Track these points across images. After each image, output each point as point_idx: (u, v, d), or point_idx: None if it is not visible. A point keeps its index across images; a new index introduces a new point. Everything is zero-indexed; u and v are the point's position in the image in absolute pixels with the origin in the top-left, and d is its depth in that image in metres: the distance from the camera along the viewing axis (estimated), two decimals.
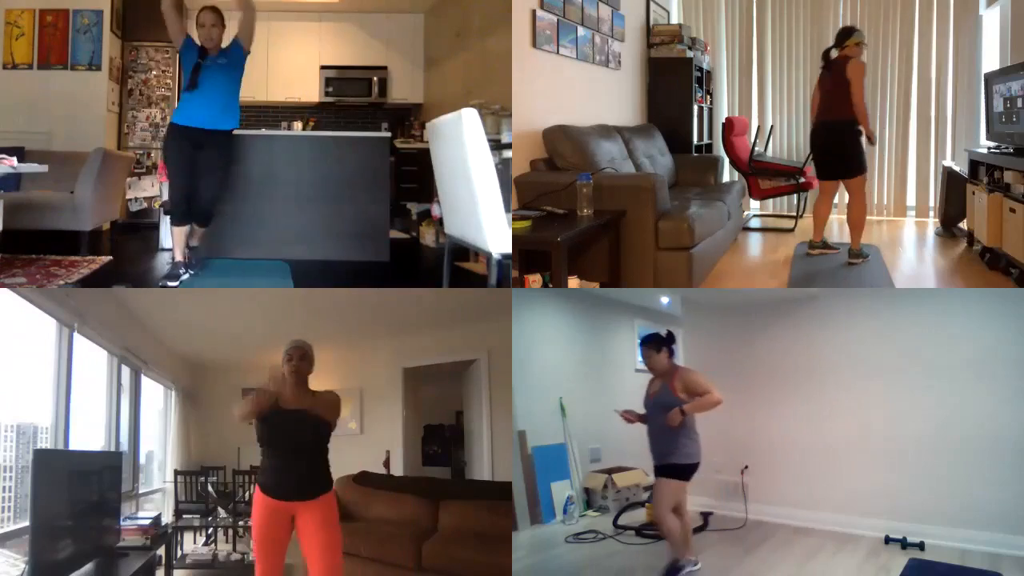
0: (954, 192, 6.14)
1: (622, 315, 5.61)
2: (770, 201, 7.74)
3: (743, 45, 8.31)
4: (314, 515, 2.65)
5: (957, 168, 6.32)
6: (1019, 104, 4.92)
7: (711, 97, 8.21)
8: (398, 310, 5.13)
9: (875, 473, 3.99)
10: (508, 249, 3.07)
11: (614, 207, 4.36)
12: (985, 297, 4.05)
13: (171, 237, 4.72)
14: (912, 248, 6.34)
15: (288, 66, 8.13)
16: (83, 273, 4.67)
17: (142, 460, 5.43)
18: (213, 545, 5.00)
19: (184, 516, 5.13)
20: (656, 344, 3.25)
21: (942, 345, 3.86)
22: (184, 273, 4.50)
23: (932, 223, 7.10)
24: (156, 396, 5.84)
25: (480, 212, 3.01)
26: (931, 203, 7.51)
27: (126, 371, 5.02)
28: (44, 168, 4.50)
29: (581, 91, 5.85)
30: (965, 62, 7.26)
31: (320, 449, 2.71)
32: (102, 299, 4.44)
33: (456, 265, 4.99)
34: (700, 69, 7.62)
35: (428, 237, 6.22)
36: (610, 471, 4.79)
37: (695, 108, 7.45)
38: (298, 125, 8.51)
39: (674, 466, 3.16)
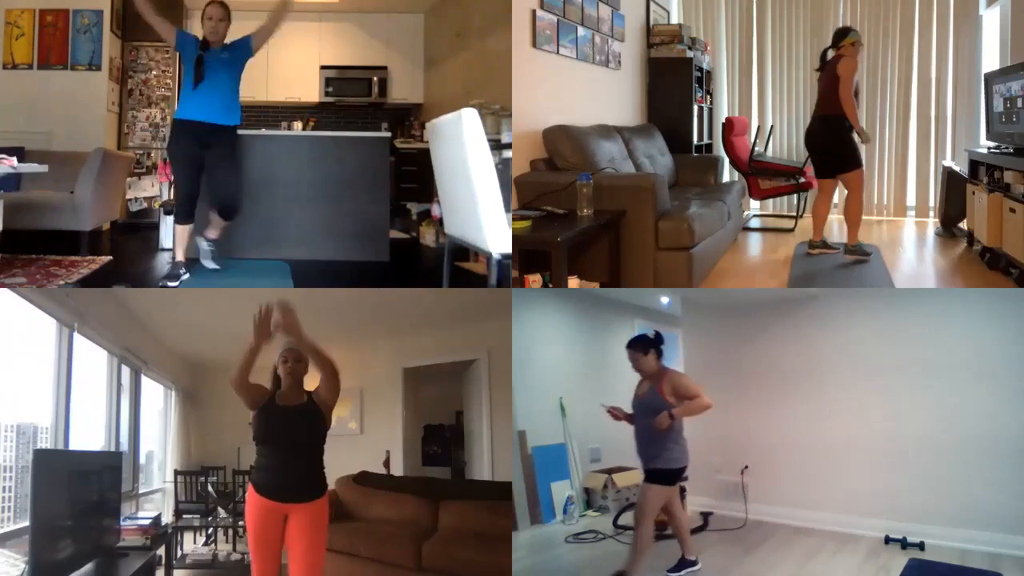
0: (954, 192, 6.14)
1: (622, 315, 5.61)
2: (770, 201, 7.74)
3: (743, 45, 8.31)
4: (306, 519, 2.63)
5: (957, 168, 6.32)
6: (1019, 104, 4.92)
7: (711, 97, 8.21)
8: (398, 310, 5.13)
9: (875, 473, 3.99)
10: (508, 249, 3.07)
11: (614, 207, 4.36)
12: (985, 297, 4.05)
13: (173, 236, 4.70)
14: (912, 248, 6.34)
15: (288, 66, 8.13)
16: (83, 273, 4.67)
17: (142, 460, 5.43)
18: (213, 545, 5.00)
19: (184, 516, 5.13)
20: (643, 346, 3.22)
21: (942, 345, 3.86)
22: (184, 273, 4.49)
23: (932, 223, 7.10)
24: (156, 396, 5.84)
25: (480, 212, 3.01)
26: (931, 203, 7.51)
27: (126, 371, 5.02)
28: (44, 168, 4.50)
29: (581, 91, 5.85)
30: (965, 62, 7.26)
31: (317, 449, 2.70)
32: (102, 299, 4.44)
33: (456, 265, 4.99)
34: (700, 69, 7.62)
35: (428, 237, 6.22)
36: (610, 471, 4.79)
37: (695, 108, 7.45)
38: (298, 125, 8.51)
39: (660, 471, 3.13)
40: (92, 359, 4.52)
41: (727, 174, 7.59)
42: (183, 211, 4.45)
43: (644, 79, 7.38)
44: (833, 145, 5.12)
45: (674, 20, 8.13)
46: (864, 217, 7.68)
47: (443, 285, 4.10)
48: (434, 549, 3.70)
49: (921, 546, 3.58)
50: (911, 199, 7.79)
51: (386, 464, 5.82)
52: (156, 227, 6.02)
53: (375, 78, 8.43)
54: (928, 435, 3.83)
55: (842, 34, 5.10)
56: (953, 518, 3.65)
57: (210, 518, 5.08)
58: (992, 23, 6.70)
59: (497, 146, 4.72)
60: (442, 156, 3.36)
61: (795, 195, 7.06)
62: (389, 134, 6.24)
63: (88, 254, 5.25)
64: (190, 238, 4.52)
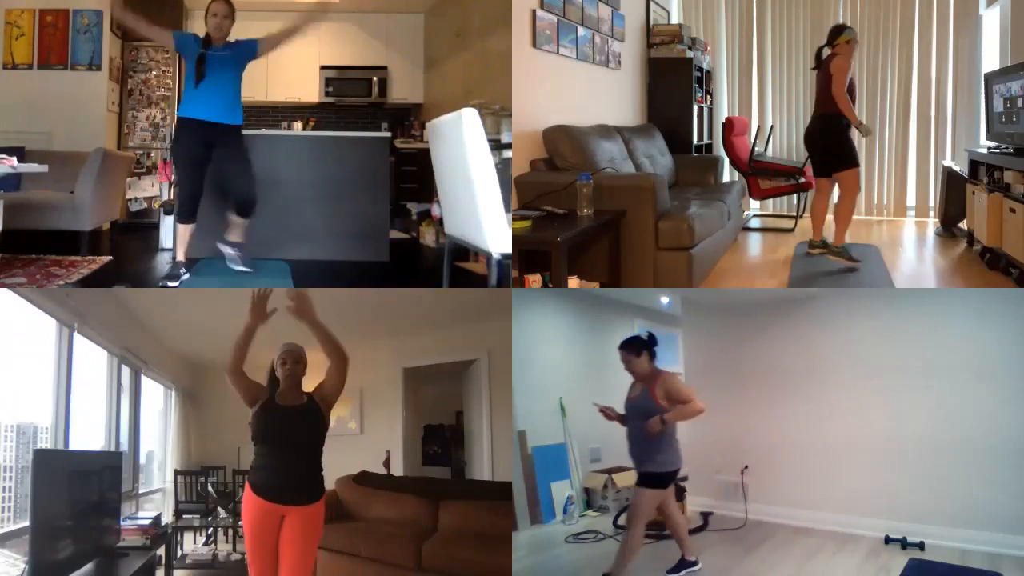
0: (954, 192, 6.14)
1: (622, 315, 5.61)
2: (770, 201, 7.74)
3: (743, 45, 8.31)
4: (300, 522, 2.62)
5: (957, 168, 6.32)
6: (1019, 104, 4.93)
7: (711, 97, 8.21)
8: (398, 310, 5.12)
9: (875, 473, 3.99)
10: (508, 249, 3.07)
11: (614, 207, 4.37)
12: (985, 297, 4.05)
13: (173, 236, 4.68)
14: (912, 248, 6.35)
15: (288, 66, 8.12)
16: (83, 273, 4.67)
17: (142, 460, 5.43)
18: (213, 545, 5.01)
19: (184, 516, 5.13)
20: (636, 348, 3.18)
21: (942, 345, 3.86)
22: (184, 273, 4.48)
23: (932, 223, 7.11)
24: (156, 396, 5.84)
25: (480, 212, 3.01)
26: (931, 203, 7.51)
27: (126, 371, 5.02)
28: (44, 168, 4.50)
29: (581, 91, 5.85)
30: (965, 62, 7.27)
31: (316, 450, 2.69)
32: (102, 299, 4.44)
33: (456, 265, 4.99)
34: (700, 69, 7.63)
35: (428, 237, 6.22)
36: (610, 471, 4.79)
37: (695, 108, 7.45)
38: (298, 125, 8.52)
39: (652, 474, 3.10)
40: (92, 359, 4.52)
41: (727, 174, 7.60)
42: (186, 210, 4.41)
43: (644, 79, 7.38)
44: (830, 144, 5.09)
45: (674, 20, 8.14)
46: (864, 217, 7.79)
47: (443, 285, 4.10)
48: (434, 549, 3.70)
49: (921, 546, 3.58)
50: (911, 199, 7.80)
51: (386, 464, 5.82)
52: (156, 227, 6.02)
53: (375, 78, 8.43)
54: (928, 435, 3.83)
55: (837, 32, 5.05)
56: (953, 518, 3.65)
57: (210, 518, 5.08)
58: (992, 23, 6.70)
59: (497, 146, 4.72)
60: (442, 156, 3.36)
61: (795, 195, 7.06)
62: (389, 134, 6.24)
63: (88, 254, 5.25)
64: (191, 238, 4.48)
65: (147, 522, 3.69)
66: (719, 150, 7.81)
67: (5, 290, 3.72)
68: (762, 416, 4.50)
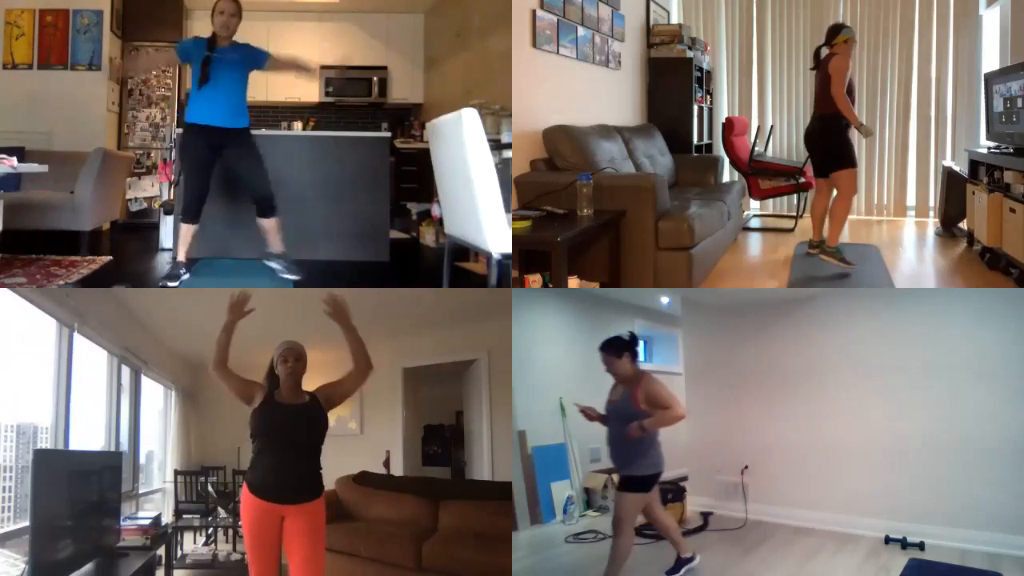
0: (954, 192, 6.14)
1: (622, 315, 5.61)
2: (770, 201, 7.74)
3: (743, 45, 8.31)
4: (301, 523, 2.60)
5: (957, 168, 6.32)
6: (1019, 104, 4.93)
7: (711, 97, 8.21)
8: (398, 310, 5.12)
9: (875, 473, 3.99)
10: (508, 249, 3.07)
11: (614, 207, 4.37)
12: (985, 297, 4.05)
13: (175, 235, 4.64)
14: (912, 248, 6.35)
15: None
16: (83, 273, 4.67)
17: (142, 460, 5.43)
18: (213, 545, 5.00)
19: (184, 516, 5.13)
20: (616, 349, 3.07)
21: (942, 345, 3.86)
22: (184, 273, 4.47)
23: (932, 223, 7.11)
24: (156, 396, 5.84)
25: (480, 212, 3.01)
26: (931, 203, 7.51)
27: (126, 371, 5.02)
28: (44, 168, 4.50)
29: (581, 91, 5.85)
30: (965, 62, 7.27)
31: (315, 450, 2.67)
32: (102, 299, 4.44)
33: (456, 265, 4.99)
34: (700, 69, 7.63)
35: (428, 237, 6.22)
36: (610, 471, 4.78)
37: (695, 108, 7.45)
38: (298, 125, 8.52)
39: (634, 478, 3.02)
40: (92, 359, 4.52)
41: (727, 174, 7.60)
42: (191, 210, 4.35)
43: (644, 79, 7.38)
44: (826, 143, 5.02)
45: (674, 20, 8.14)
46: (864, 217, 7.80)
47: (443, 285, 4.11)
48: (434, 549, 3.70)
49: (921, 546, 3.58)
50: (911, 199, 7.80)
51: (386, 464, 5.82)
52: (156, 227, 6.02)
53: (375, 78, 8.43)
54: (928, 435, 3.83)
55: (835, 31, 4.98)
56: (953, 518, 3.65)
57: (210, 518, 5.08)
58: (992, 23, 6.70)
59: (497, 146, 4.72)
60: (442, 156, 3.36)
61: (795, 195, 7.06)
62: (389, 134, 6.23)
63: (88, 254, 5.25)
64: (193, 239, 4.44)
65: (147, 522, 3.69)
66: (719, 150, 7.81)
67: (5, 290, 3.72)
68: (762, 416, 4.50)
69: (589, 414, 3.18)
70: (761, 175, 6.91)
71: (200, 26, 7.77)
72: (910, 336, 3.97)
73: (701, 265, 4.64)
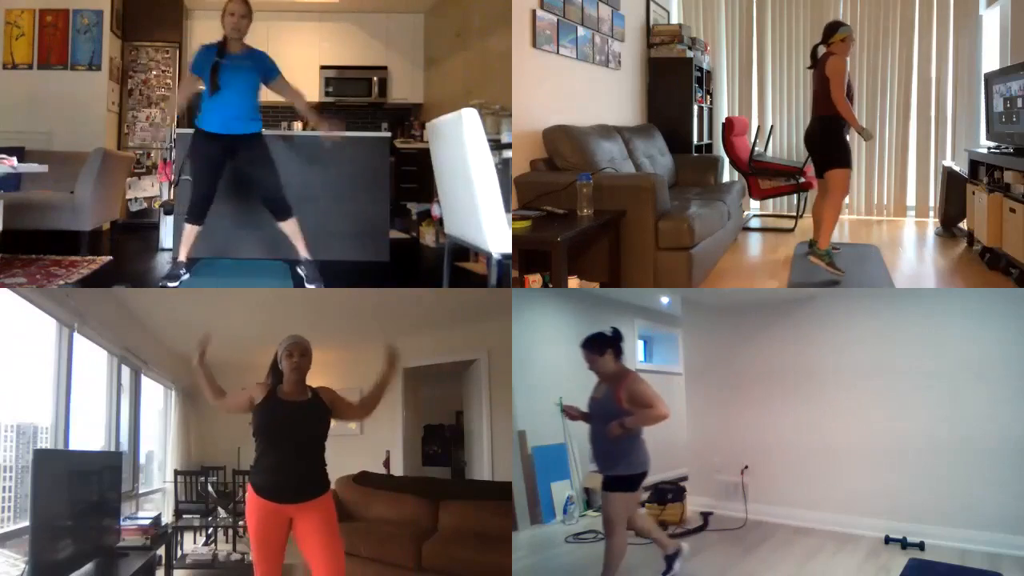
0: (954, 192, 6.14)
1: (622, 315, 5.61)
2: (770, 201, 7.74)
3: (743, 45, 8.31)
4: (313, 519, 2.58)
5: (957, 168, 6.32)
6: (1019, 104, 4.92)
7: (711, 97, 8.21)
8: (398, 310, 5.12)
9: (875, 473, 3.99)
10: (508, 249, 3.07)
11: (614, 207, 4.37)
12: (985, 297, 4.05)
13: (174, 235, 4.62)
14: (912, 248, 6.35)
15: (288, 66, 7.96)
16: (83, 273, 4.67)
17: (142, 460, 5.43)
18: (213, 545, 5.01)
19: (184, 516, 5.14)
20: (599, 347, 2.97)
21: (942, 345, 3.86)
22: (185, 275, 4.46)
23: (932, 223, 7.11)
24: (156, 396, 5.84)
25: (480, 212, 3.01)
26: (931, 203, 7.51)
27: (126, 371, 5.02)
28: (44, 168, 4.50)
29: (581, 91, 5.85)
30: (965, 62, 7.27)
31: (319, 447, 2.66)
32: (102, 299, 4.44)
33: (456, 265, 4.99)
34: (700, 69, 7.63)
35: (428, 237, 6.22)
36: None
37: (695, 108, 7.45)
38: (298, 125, 8.49)
39: (620, 478, 2.94)
40: (92, 359, 4.52)
41: (727, 174, 7.60)
42: (196, 211, 4.32)
43: (644, 79, 7.38)
44: (822, 144, 4.91)
45: (674, 20, 8.14)
46: (864, 217, 7.80)
47: (443, 285, 4.10)
48: (434, 549, 3.71)
49: (921, 546, 3.58)
50: (911, 199, 7.80)
51: (386, 464, 5.82)
52: (156, 227, 6.01)
53: (375, 78, 8.43)
54: (928, 435, 3.83)
55: (832, 29, 4.83)
56: (953, 518, 3.65)
57: (210, 518, 5.08)
58: (992, 23, 6.70)
59: (497, 146, 4.72)
60: (442, 156, 3.36)
61: (795, 195, 7.06)
62: (389, 134, 6.23)
63: (88, 254, 5.25)
64: (196, 239, 4.40)
65: (147, 522, 3.70)
66: (719, 150, 7.80)
67: (5, 290, 3.72)
68: (762, 416, 4.50)
69: (571, 413, 3.11)
70: (761, 175, 6.91)
71: (200, 26, 7.79)
72: (910, 336, 3.98)
73: (701, 265, 4.64)
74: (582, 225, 4.01)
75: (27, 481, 2.83)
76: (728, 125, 7.26)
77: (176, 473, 5.46)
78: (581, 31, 5.75)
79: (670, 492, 4.37)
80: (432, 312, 5.24)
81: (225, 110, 4.19)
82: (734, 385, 4.66)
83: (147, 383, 5.50)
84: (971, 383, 3.74)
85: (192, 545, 5.03)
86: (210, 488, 5.30)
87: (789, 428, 4.38)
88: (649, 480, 4.27)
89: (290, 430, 2.61)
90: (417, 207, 7.08)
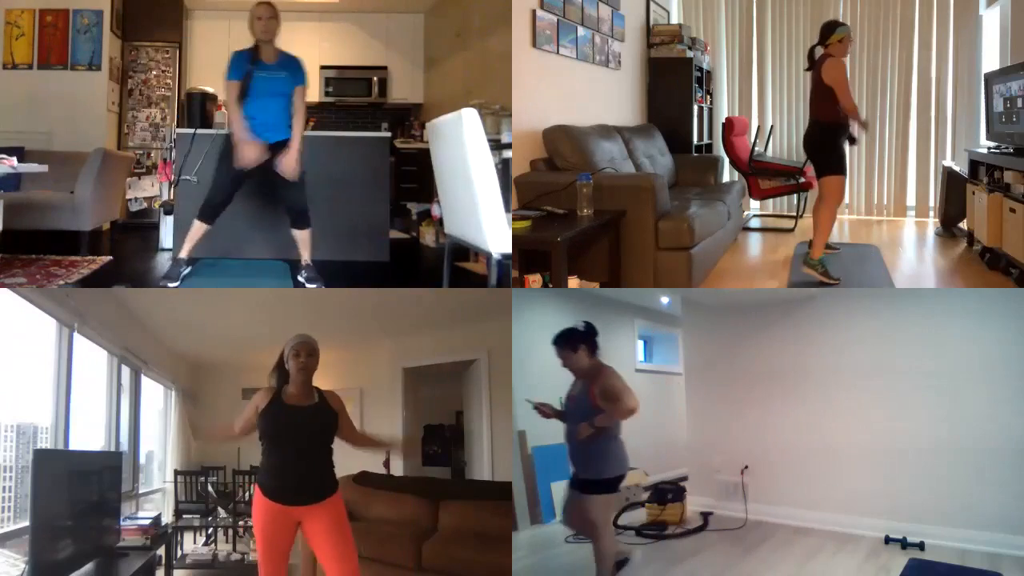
0: (954, 192, 6.14)
1: (622, 315, 5.61)
2: (770, 201, 7.74)
3: (743, 45, 8.31)
4: (323, 520, 2.57)
5: (957, 168, 6.32)
6: (1019, 104, 4.92)
7: (711, 97, 8.21)
8: (398, 310, 5.13)
9: (875, 473, 3.99)
10: (508, 249, 3.07)
11: (614, 207, 4.37)
12: (985, 297, 4.05)
13: (180, 235, 4.56)
14: (912, 248, 6.35)
15: None
16: (83, 273, 4.67)
17: (142, 460, 5.43)
18: (213, 545, 5.01)
19: (184, 516, 5.14)
20: (571, 343, 2.84)
21: (942, 345, 3.86)
22: (186, 270, 4.44)
23: (932, 223, 7.11)
24: (156, 396, 5.84)
25: (480, 212, 3.01)
26: (931, 203, 7.51)
27: (126, 371, 5.02)
28: (44, 168, 4.50)
29: (581, 91, 5.85)
30: (965, 62, 7.26)
31: (326, 448, 2.65)
32: (102, 299, 4.44)
33: (456, 265, 4.98)
34: (700, 69, 7.63)
35: (428, 237, 6.22)
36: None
37: (695, 108, 7.45)
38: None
39: (598, 481, 2.82)
40: (92, 359, 4.52)
41: (727, 174, 7.60)
42: (209, 212, 4.28)
43: (644, 79, 7.38)
44: (819, 147, 4.79)
45: (674, 20, 8.14)
46: (864, 217, 7.80)
47: (443, 285, 4.10)
48: (434, 549, 3.70)
49: (921, 546, 3.58)
50: (911, 199, 7.80)
51: (386, 464, 5.81)
52: (156, 227, 6.01)
53: (375, 78, 8.43)
54: (928, 435, 3.83)
55: (829, 29, 4.69)
56: (953, 518, 3.65)
57: (210, 518, 5.08)
58: (992, 23, 6.70)
59: (497, 146, 4.72)
60: (442, 156, 3.36)
61: (795, 195, 7.06)
62: (389, 134, 6.24)
63: (88, 254, 5.25)
64: (202, 238, 4.34)
65: (147, 522, 3.70)
66: (719, 150, 7.80)
67: (5, 290, 3.72)
68: (762, 416, 4.50)
69: (544, 411, 2.98)
70: (761, 175, 6.91)
71: (200, 26, 7.79)
72: (910, 336, 3.97)
73: (701, 265, 4.64)
74: (582, 225, 4.01)
75: (27, 481, 2.83)
76: (728, 125, 7.26)
77: (176, 473, 5.46)
78: (581, 31, 5.75)
79: (670, 492, 4.37)
80: (432, 312, 5.24)
81: (253, 120, 4.16)
82: (734, 385, 4.66)
83: (147, 383, 5.50)
84: (971, 383, 3.74)
85: (192, 545, 5.04)
86: (210, 488, 5.30)
87: (789, 428, 4.38)
88: (649, 480, 4.30)
89: (296, 433, 2.59)
90: (417, 207, 7.08)
